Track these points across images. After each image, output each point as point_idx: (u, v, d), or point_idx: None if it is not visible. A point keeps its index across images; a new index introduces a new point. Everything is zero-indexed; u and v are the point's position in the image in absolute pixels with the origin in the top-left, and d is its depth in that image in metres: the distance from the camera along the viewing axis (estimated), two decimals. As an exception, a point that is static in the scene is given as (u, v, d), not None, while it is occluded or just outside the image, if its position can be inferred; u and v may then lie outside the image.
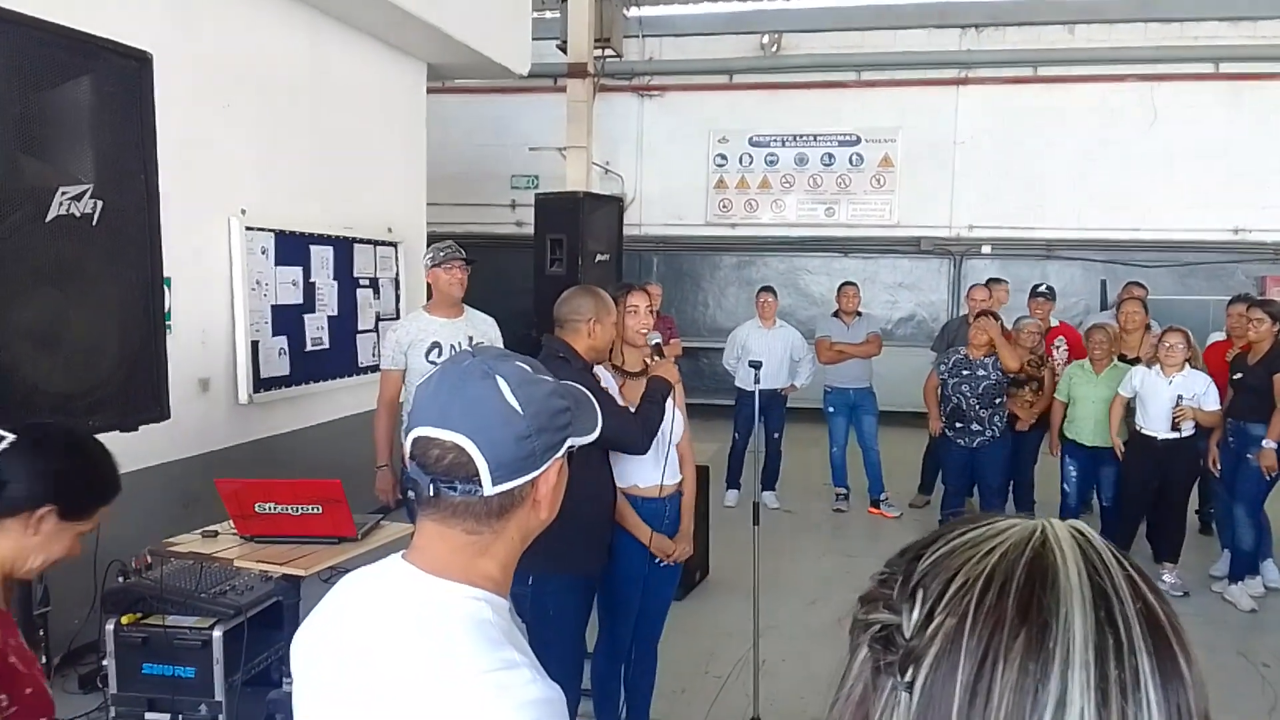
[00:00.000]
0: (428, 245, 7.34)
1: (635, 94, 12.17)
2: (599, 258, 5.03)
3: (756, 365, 3.86)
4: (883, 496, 7.01)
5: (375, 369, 5.29)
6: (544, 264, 4.93)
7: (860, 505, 7.06)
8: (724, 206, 11.95)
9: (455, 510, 1.09)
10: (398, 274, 6.69)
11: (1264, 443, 4.86)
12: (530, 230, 5.98)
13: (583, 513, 2.81)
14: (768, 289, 7.32)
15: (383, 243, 6.51)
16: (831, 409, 7.07)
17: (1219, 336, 6.11)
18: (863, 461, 7.01)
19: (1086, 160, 10.86)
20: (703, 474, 5.60)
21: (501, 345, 3.32)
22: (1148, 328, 5.94)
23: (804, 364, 7.13)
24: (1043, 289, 6.85)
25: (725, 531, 5.43)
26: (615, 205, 5.52)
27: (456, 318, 4.21)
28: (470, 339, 4.16)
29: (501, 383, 1.10)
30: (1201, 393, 5.13)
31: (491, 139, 11.93)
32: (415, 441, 1.11)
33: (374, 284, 6.43)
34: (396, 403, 4.14)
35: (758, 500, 3.87)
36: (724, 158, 11.91)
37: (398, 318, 6.67)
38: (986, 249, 11.31)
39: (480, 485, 1.08)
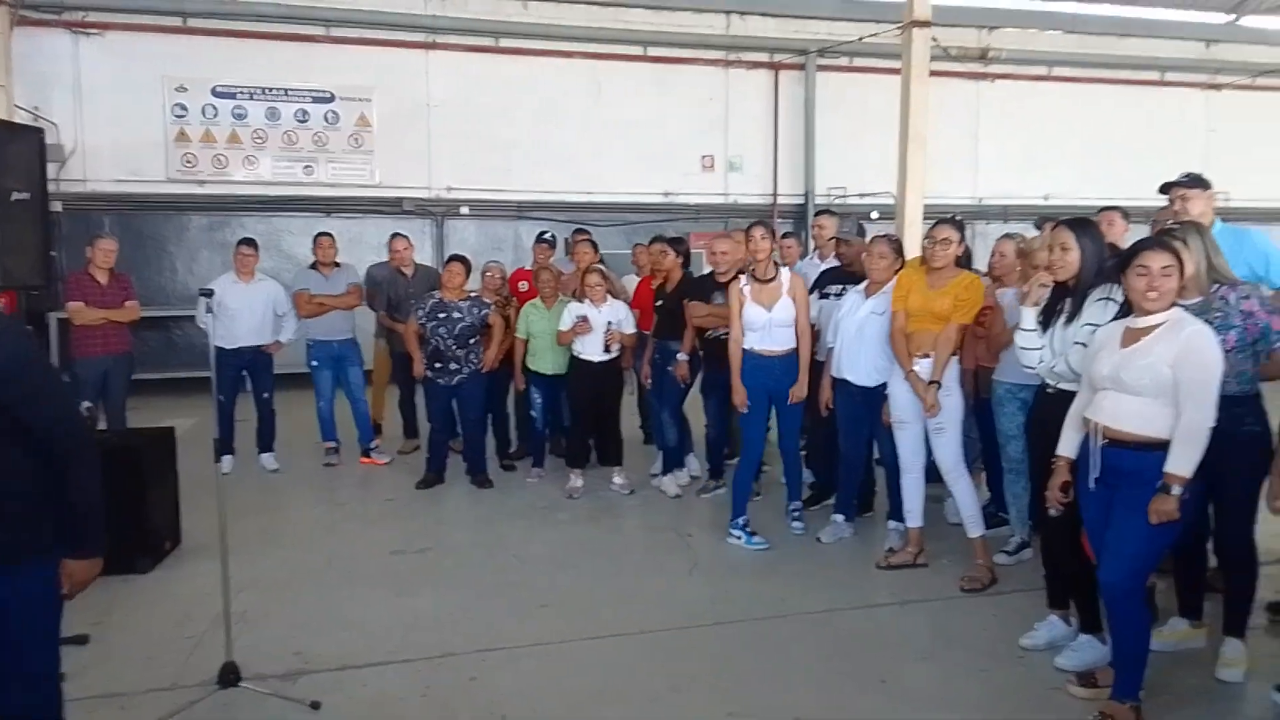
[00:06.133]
0: None
1: (68, 30, 10.61)
2: (16, 196, 4.34)
3: (207, 293, 3.68)
4: (373, 445, 7.10)
5: None
6: (-60, 206, 4.12)
7: (352, 457, 7.07)
8: (188, 162, 10.97)
9: None
10: None
11: (677, 355, 5.87)
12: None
13: None
14: (246, 241, 6.99)
15: None
16: (315, 363, 6.95)
17: (635, 277, 7.12)
18: (351, 413, 7.03)
19: (546, 128, 11.93)
20: (169, 440, 5.23)
21: None
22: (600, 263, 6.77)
23: (288, 318, 6.91)
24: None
25: (200, 499, 5.11)
26: (35, 137, 4.78)
27: None
28: None
29: None
30: (623, 318, 6.09)
31: None
32: None
33: None
34: None
35: (224, 457, 3.70)
36: (184, 108, 10.91)
37: None
38: (465, 210, 11.89)
39: None
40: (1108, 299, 3.44)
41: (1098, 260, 3.54)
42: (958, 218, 4.69)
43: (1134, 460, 3.06)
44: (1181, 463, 2.96)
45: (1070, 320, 3.54)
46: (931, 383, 4.40)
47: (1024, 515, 4.69)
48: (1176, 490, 2.95)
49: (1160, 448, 3.01)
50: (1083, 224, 3.61)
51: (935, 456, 4.56)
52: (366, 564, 4.94)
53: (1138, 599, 3.15)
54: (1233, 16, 14.17)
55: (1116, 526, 3.11)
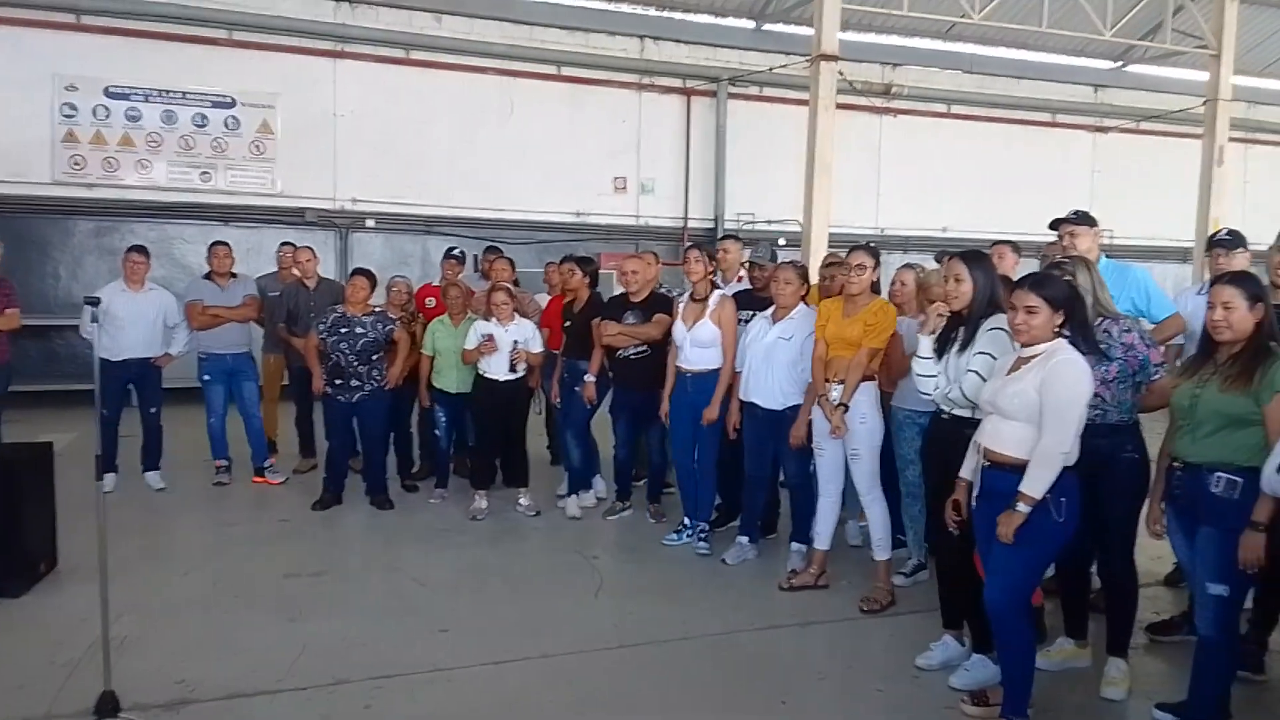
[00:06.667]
0: None
1: (-49, 23, 10.05)
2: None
3: (93, 302, 3.49)
4: (267, 464, 6.86)
5: None
6: None
7: (244, 476, 6.81)
8: (76, 164, 10.47)
9: None
10: None
11: (585, 377, 5.85)
12: None
13: None
14: (137, 248, 6.69)
15: None
16: (207, 377, 6.68)
17: (545, 296, 7.09)
18: (244, 430, 6.77)
19: (457, 143, 11.82)
20: (47, 455, 4.94)
21: None
22: (515, 283, 6.72)
23: (180, 330, 6.64)
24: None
25: (80, 518, 4.83)
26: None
27: None
28: None
29: None
30: (529, 337, 6.04)
31: None
32: None
33: None
34: None
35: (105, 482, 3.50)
36: (74, 108, 10.42)
37: None
38: (371, 222, 11.66)
39: None
40: (998, 328, 3.57)
41: (989, 291, 3.67)
42: (872, 244, 4.78)
43: (1010, 481, 3.17)
44: (1032, 483, 3.09)
45: (964, 348, 3.66)
46: (838, 405, 4.48)
47: (920, 538, 4.81)
48: (1023, 508, 3.08)
49: None
50: (976, 257, 3.74)
51: (854, 480, 4.63)
52: (257, 587, 4.75)
53: (1021, 617, 3.25)
54: (1119, 64, 15.05)
55: (998, 546, 3.21)
